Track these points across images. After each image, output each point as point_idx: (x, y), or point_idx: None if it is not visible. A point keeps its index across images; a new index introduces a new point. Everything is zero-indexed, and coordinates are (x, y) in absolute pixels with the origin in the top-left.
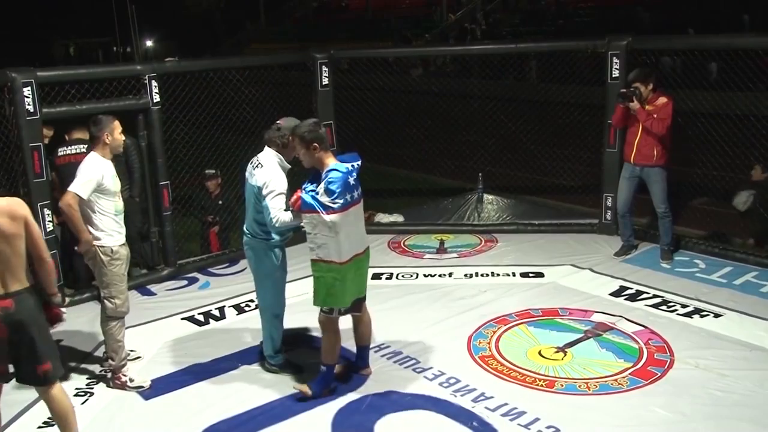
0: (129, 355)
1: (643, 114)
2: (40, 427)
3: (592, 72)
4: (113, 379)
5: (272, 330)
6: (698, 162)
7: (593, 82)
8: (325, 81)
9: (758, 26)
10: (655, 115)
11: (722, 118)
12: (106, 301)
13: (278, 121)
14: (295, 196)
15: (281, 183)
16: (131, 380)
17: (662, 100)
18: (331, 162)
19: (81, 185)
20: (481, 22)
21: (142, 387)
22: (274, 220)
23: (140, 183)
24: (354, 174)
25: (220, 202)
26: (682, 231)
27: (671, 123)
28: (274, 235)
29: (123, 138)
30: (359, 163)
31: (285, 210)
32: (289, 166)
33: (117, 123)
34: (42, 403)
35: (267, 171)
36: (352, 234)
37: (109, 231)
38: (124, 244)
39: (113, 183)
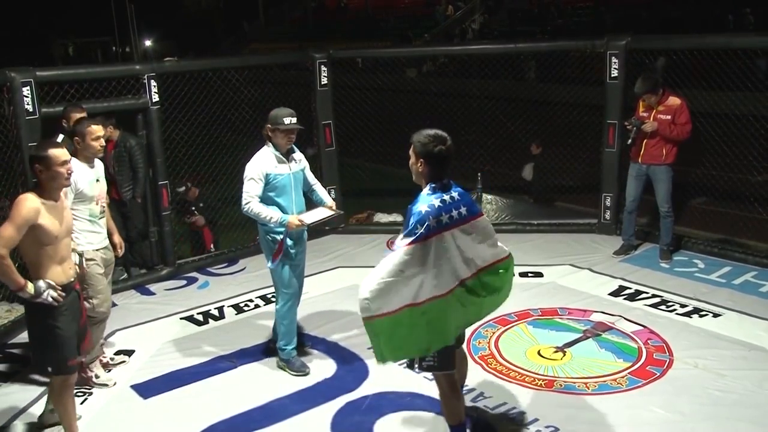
0: (104, 354)
1: (666, 127)
2: (39, 427)
3: (591, 72)
4: (80, 372)
5: (280, 320)
6: (698, 162)
7: (592, 81)
8: (324, 81)
9: (739, 25)
10: (674, 121)
11: (721, 118)
12: (84, 301)
13: None
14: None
15: (254, 170)
16: (97, 376)
17: (675, 101)
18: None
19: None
20: (478, 20)
21: (106, 385)
22: (243, 203)
23: (143, 183)
24: (441, 195)
25: (201, 205)
26: (682, 231)
27: (692, 125)
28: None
29: (98, 145)
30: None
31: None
32: (280, 155)
33: (92, 128)
34: (40, 403)
35: (250, 162)
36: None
37: (82, 234)
38: (99, 249)
39: (90, 188)
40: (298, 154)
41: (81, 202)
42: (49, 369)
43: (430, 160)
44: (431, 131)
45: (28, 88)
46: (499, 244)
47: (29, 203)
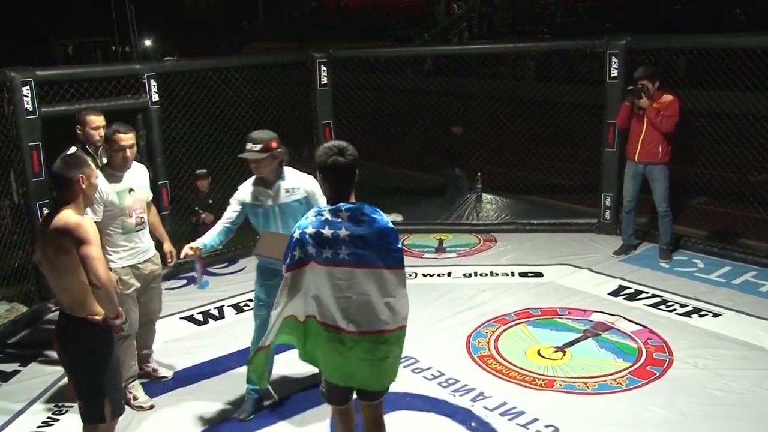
0: (134, 377)
1: (652, 111)
2: (39, 427)
3: (590, 71)
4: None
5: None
6: (697, 162)
7: (591, 81)
8: (324, 80)
9: (731, 25)
10: (662, 112)
11: (721, 118)
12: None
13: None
14: None
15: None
16: (135, 398)
17: (668, 97)
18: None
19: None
20: (474, 19)
21: (166, 377)
22: None
23: None
24: (321, 225)
25: (210, 202)
26: (681, 230)
27: (678, 121)
28: None
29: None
30: (333, 209)
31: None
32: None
33: (90, 118)
34: (40, 403)
35: None
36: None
37: (109, 251)
38: (129, 266)
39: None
40: (290, 182)
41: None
42: (109, 415)
43: (325, 174)
44: (332, 142)
45: (28, 87)
46: (391, 311)
47: (90, 223)
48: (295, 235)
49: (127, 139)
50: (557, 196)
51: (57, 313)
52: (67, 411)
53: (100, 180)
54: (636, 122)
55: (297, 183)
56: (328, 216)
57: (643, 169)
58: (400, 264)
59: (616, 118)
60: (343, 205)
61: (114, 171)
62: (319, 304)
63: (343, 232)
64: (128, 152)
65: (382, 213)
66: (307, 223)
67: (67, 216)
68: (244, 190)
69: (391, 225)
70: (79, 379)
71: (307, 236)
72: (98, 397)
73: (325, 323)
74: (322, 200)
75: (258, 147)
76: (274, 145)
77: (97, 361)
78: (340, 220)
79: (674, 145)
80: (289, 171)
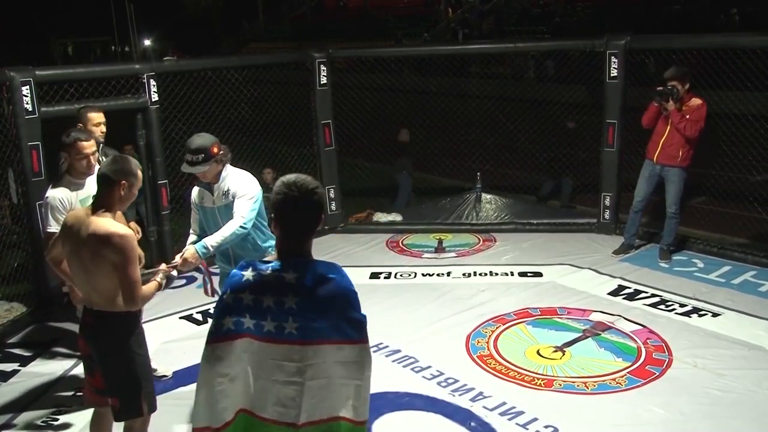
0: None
1: (677, 116)
2: (38, 427)
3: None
4: None
5: None
6: (698, 161)
7: (590, 81)
8: (324, 80)
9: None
10: (688, 116)
11: (721, 118)
12: None
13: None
14: None
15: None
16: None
17: (696, 101)
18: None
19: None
20: (471, 21)
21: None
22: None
23: None
24: (261, 290)
25: None
26: (681, 230)
27: (704, 126)
28: None
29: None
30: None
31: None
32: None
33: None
34: (39, 403)
35: (244, 178)
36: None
37: None
38: None
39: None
40: (225, 184)
41: None
42: (146, 408)
43: (277, 216)
44: (293, 176)
45: (28, 87)
46: (356, 398)
47: (132, 237)
48: (225, 297)
49: (90, 146)
50: (557, 196)
51: (57, 313)
52: (66, 411)
53: (63, 190)
54: (661, 123)
55: (228, 186)
56: (271, 277)
57: (660, 171)
58: (362, 337)
59: (642, 118)
60: (292, 262)
61: (75, 179)
62: (255, 390)
63: (290, 300)
64: (92, 159)
65: (342, 271)
66: (243, 283)
67: (109, 224)
68: (194, 193)
69: (353, 287)
70: (115, 375)
71: (242, 302)
72: (135, 390)
73: (264, 418)
74: (241, 204)
75: (201, 157)
76: (216, 150)
77: (132, 354)
78: (287, 282)
79: (694, 150)
80: (228, 173)
